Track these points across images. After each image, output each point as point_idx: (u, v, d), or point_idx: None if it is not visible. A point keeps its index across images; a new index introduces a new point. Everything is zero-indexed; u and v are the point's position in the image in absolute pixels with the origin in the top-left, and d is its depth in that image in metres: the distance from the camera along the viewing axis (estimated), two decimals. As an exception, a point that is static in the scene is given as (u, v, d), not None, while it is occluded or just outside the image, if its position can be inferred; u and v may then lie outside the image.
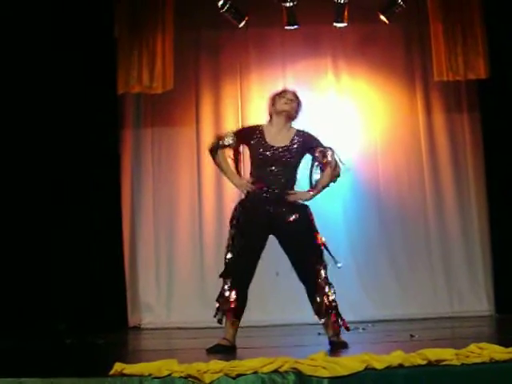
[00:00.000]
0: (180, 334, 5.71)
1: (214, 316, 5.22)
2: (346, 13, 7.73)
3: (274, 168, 5.25)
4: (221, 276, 5.28)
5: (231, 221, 5.37)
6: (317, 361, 3.83)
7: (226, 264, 5.25)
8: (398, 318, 7.32)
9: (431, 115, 8.50)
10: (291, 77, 8.46)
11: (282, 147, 5.30)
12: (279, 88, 5.71)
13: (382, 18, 7.80)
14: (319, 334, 5.15)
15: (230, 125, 8.46)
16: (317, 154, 5.36)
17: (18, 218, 7.55)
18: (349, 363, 3.80)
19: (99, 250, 7.74)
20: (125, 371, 3.88)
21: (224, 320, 5.16)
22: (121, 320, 7.88)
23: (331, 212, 7.89)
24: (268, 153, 5.29)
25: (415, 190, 8.41)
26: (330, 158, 5.33)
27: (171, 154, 8.48)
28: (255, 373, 3.79)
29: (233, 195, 8.34)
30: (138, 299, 8.22)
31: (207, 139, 8.39)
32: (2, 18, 7.43)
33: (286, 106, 5.43)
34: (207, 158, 8.37)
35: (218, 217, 8.35)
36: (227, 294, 5.16)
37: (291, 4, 7.59)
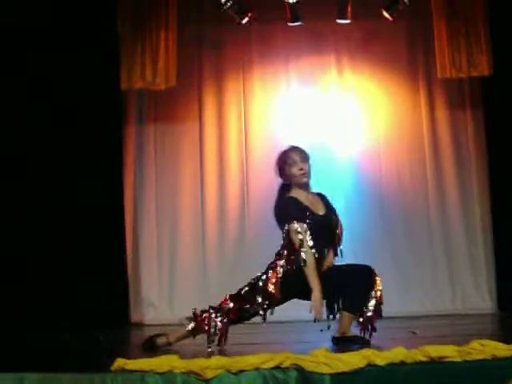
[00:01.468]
0: (182, 330, 5.73)
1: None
2: (349, 9, 7.70)
3: None
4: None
5: None
6: (318, 357, 3.84)
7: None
8: (400, 315, 7.30)
9: (434, 112, 8.48)
10: (294, 73, 8.47)
11: None
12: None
13: (386, 14, 7.78)
14: (321, 330, 5.15)
15: (233, 121, 8.48)
16: None
17: (20, 212, 7.56)
18: (350, 359, 3.81)
19: (101, 246, 7.73)
20: (126, 367, 3.89)
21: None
22: (123, 316, 7.88)
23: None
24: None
25: (418, 186, 8.40)
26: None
27: (174, 149, 8.47)
28: (257, 369, 3.80)
29: (235, 192, 8.39)
30: (140, 295, 8.21)
31: (210, 135, 8.48)
32: (4, 12, 7.42)
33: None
34: (210, 154, 8.46)
35: (220, 213, 8.36)
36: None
37: (294, 0, 7.57)
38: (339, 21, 7.81)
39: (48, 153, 7.68)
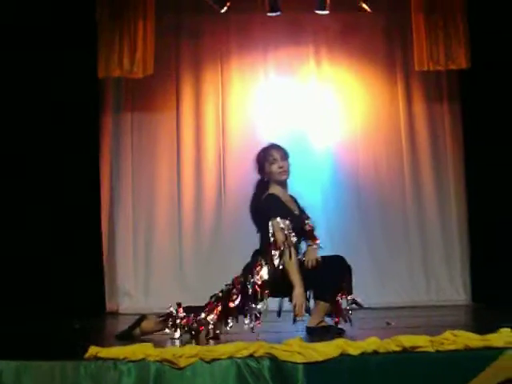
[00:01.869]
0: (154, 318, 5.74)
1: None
2: (328, 0, 7.71)
3: None
4: None
5: None
6: (292, 346, 3.84)
7: None
8: (375, 306, 7.33)
9: (411, 104, 8.52)
10: (272, 64, 8.49)
11: None
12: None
13: (364, 6, 7.78)
14: (294, 321, 5.17)
15: (211, 111, 8.46)
16: None
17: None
18: (324, 349, 3.81)
19: (77, 235, 7.70)
20: (99, 354, 3.87)
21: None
22: (98, 305, 7.85)
23: (310, 200, 7.85)
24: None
25: (394, 178, 8.44)
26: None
27: (151, 139, 8.45)
28: (230, 358, 3.80)
29: (212, 182, 8.38)
30: (115, 284, 8.20)
31: (187, 125, 8.46)
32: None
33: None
34: (187, 144, 8.44)
35: (197, 203, 8.36)
36: None
37: (273, -10, 7.57)
38: (318, 12, 7.80)
39: (23, 140, 7.62)
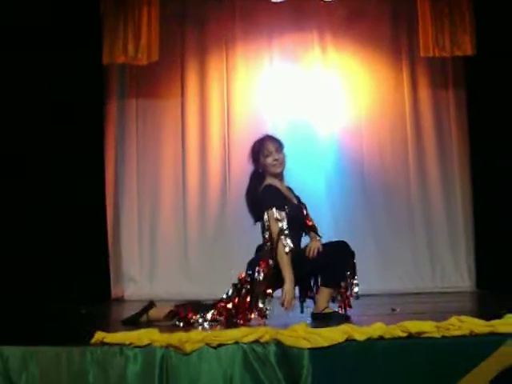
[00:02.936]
0: (162, 306, 5.71)
1: None
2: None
3: None
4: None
5: None
6: (298, 332, 3.84)
7: None
8: (380, 293, 7.35)
9: (417, 91, 8.50)
10: (277, 50, 8.46)
11: None
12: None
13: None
14: (302, 311, 5.19)
15: (216, 97, 8.45)
16: None
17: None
18: (330, 334, 3.81)
19: (82, 221, 7.70)
20: (106, 340, 3.89)
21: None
22: (103, 292, 7.86)
23: (314, 186, 7.92)
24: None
25: (399, 164, 8.43)
26: None
27: (156, 125, 8.45)
28: (236, 343, 3.81)
29: (217, 168, 8.38)
30: (120, 271, 8.22)
31: (192, 111, 8.45)
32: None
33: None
34: (192, 131, 8.44)
35: (202, 189, 8.36)
36: None
37: (278, -23, 7.55)
38: (323, -2, 7.79)
39: (28, 127, 7.61)
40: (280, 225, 5.03)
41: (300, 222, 5.22)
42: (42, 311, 6.36)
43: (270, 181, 5.21)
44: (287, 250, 4.99)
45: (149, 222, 8.36)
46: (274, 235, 5.03)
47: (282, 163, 5.24)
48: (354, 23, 8.44)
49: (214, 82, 8.49)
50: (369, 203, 8.33)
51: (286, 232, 5.03)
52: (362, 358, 3.78)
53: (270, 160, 5.20)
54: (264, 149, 5.22)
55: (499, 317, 4.03)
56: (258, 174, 5.28)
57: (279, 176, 5.27)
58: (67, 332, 4.89)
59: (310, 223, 5.27)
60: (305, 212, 5.30)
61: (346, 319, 4.92)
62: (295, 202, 5.27)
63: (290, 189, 5.37)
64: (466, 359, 3.78)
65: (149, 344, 3.82)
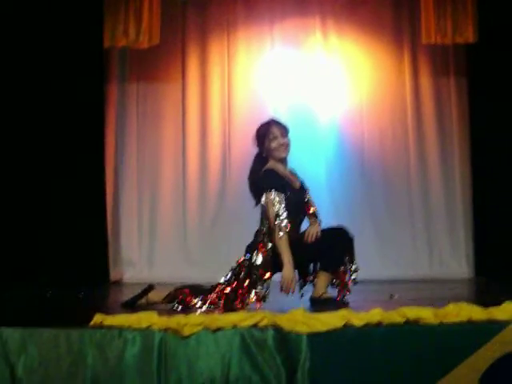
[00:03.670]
0: (161, 289, 5.71)
1: None
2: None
3: None
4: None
5: None
6: (296, 316, 3.84)
7: None
8: (378, 279, 7.35)
9: (418, 78, 8.48)
10: (279, 35, 8.44)
11: None
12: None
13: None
14: (302, 295, 5.20)
15: (217, 81, 8.44)
16: None
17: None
18: (328, 319, 3.81)
19: (82, 204, 7.72)
20: (104, 322, 3.89)
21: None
22: (102, 275, 7.88)
23: (314, 172, 7.90)
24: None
25: (399, 151, 8.43)
26: None
27: (156, 109, 8.45)
28: (234, 327, 3.81)
29: (217, 152, 8.38)
30: (119, 254, 8.24)
31: (193, 95, 8.44)
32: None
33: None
34: (192, 114, 8.43)
35: (202, 174, 8.38)
36: None
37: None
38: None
39: (30, 110, 7.61)
40: (277, 207, 5.03)
41: (301, 207, 5.23)
42: (42, 293, 6.36)
43: (271, 164, 5.21)
44: (283, 232, 4.98)
45: (148, 206, 8.37)
46: (272, 218, 5.03)
47: (287, 148, 5.22)
48: (356, 9, 8.42)
49: (215, 66, 8.47)
50: (368, 188, 8.33)
51: (285, 215, 5.03)
52: (360, 344, 3.78)
53: (275, 144, 5.18)
54: (269, 133, 5.20)
55: (497, 304, 4.03)
56: (262, 158, 5.26)
57: (283, 160, 5.26)
58: (66, 314, 4.90)
59: (310, 211, 5.27)
60: (307, 197, 5.30)
61: (344, 305, 4.93)
62: (297, 186, 5.26)
63: (294, 173, 5.35)
64: (463, 346, 3.78)
65: (147, 327, 3.82)
